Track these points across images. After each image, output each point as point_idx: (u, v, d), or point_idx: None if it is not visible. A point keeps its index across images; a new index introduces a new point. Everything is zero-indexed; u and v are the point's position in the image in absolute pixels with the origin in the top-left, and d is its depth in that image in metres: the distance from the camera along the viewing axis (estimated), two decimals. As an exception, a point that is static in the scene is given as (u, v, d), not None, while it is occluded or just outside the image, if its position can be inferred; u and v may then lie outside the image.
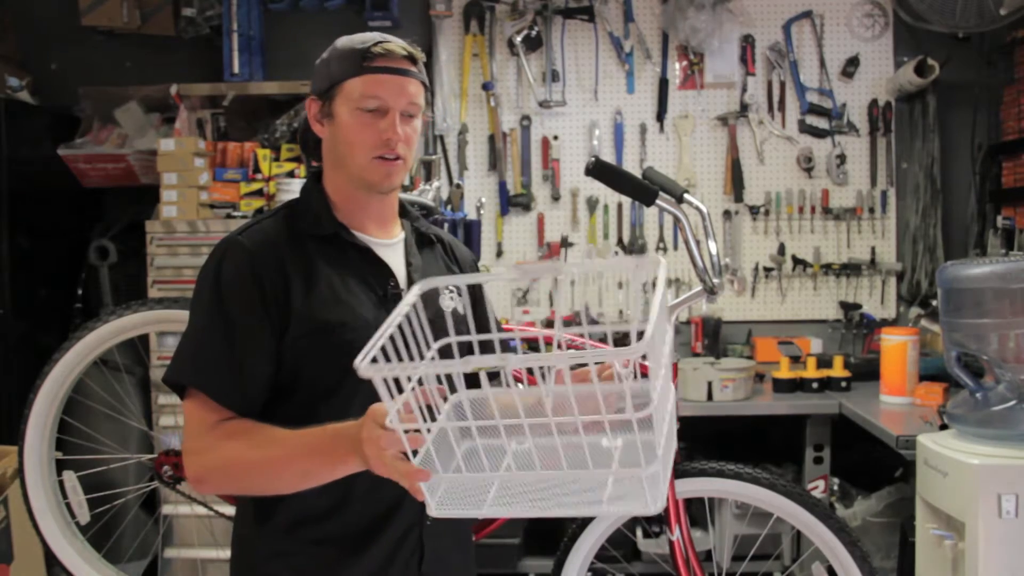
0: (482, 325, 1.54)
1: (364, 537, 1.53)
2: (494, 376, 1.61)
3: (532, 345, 2.94)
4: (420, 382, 1.19)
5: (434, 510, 1.21)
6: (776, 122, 3.88)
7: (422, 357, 1.26)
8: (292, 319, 1.47)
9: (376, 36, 1.54)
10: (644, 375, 1.36)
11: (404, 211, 1.69)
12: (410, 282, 1.59)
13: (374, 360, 1.15)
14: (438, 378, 1.22)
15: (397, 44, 1.53)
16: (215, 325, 1.46)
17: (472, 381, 1.32)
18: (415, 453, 1.20)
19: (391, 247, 1.62)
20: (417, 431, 1.19)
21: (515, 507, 1.23)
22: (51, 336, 3.25)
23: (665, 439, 1.19)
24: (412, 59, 1.54)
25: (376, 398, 1.33)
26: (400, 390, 1.17)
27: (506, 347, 1.50)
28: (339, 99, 1.53)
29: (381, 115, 1.51)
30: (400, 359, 1.20)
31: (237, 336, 1.45)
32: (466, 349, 1.34)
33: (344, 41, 1.55)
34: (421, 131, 1.61)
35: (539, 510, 1.22)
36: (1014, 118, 3.60)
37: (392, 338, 1.21)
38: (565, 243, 3.91)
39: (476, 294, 1.68)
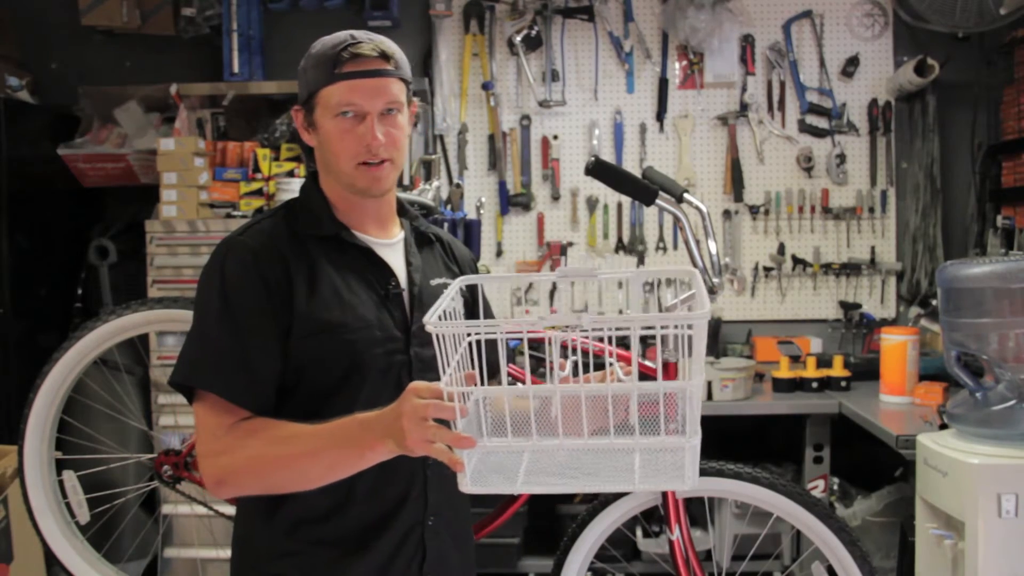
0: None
1: (366, 537, 1.53)
2: (494, 375, 1.61)
3: (533, 344, 2.94)
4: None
5: (468, 485, 1.23)
6: (776, 122, 3.88)
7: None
8: (295, 319, 1.47)
9: (346, 38, 1.50)
10: (650, 376, 1.37)
11: (403, 210, 1.69)
12: (410, 282, 1.60)
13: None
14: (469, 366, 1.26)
15: (367, 45, 1.50)
16: (223, 325, 1.46)
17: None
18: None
19: (391, 247, 1.62)
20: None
21: (547, 483, 1.25)
22: (51, 336, 3.25)
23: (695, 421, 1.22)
24: (385, 56, 1.51)
25: (379, 395, 1.34)
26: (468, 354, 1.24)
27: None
28: (318, 108, 1.52)
29: (359, 120, 1.50)
30: None
31: (246, 335, 1.45)
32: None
33: (317, 47, 1.53)
34: (412, 126, 1.60)
35: (571, 486, 1.24)
36: (1014, 118, 3.60)
37: None
38: (563, 251, 3.91)
39: (474, 293, 1.68)
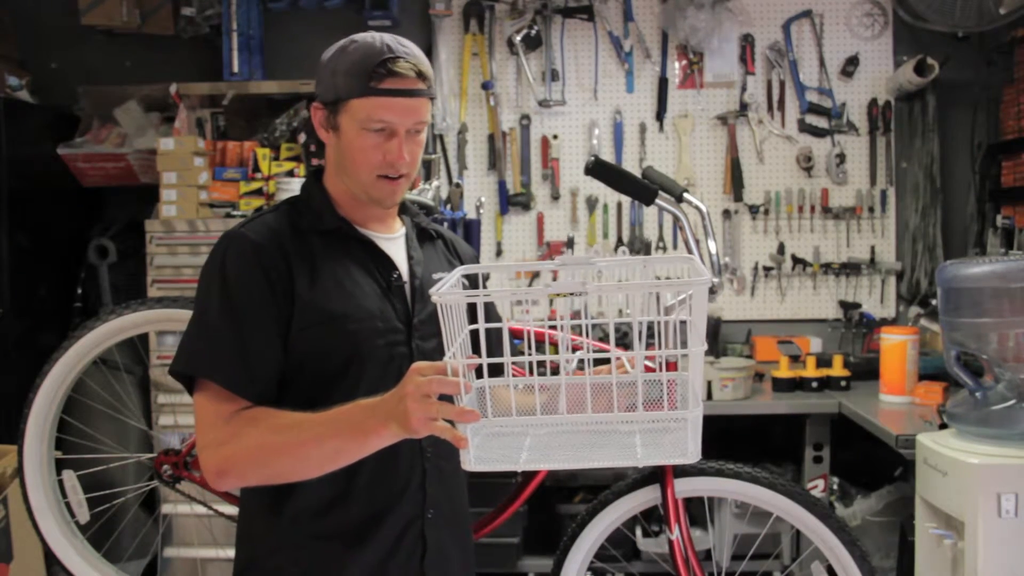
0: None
1: (366, 531, 1.53)
2: (496, 371, 1.63)
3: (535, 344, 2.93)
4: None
5: (472, 463, 1.23)
6: (776, 121, 3.88)
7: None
8: (297, 310, 1.48)
9: (384, 50, 1.49)
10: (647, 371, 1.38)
11: (404, 208, 1.70)
12: (412, 274, 1.61)
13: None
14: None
15: (405, 63, 1.49)
16: (224, 315, 1.46)
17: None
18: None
19: (393, 241, 1.64)
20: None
21: (550, 460, 1.27)
22: (51, 335, 3.25)
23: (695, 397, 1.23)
24: (421, 76, 1.51)
25: (379, 388, 1.35)
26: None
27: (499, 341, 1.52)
28: (345, 115, 1.51)
29: (387, 136, 1.50)
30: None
31: (247, 325, 1.46)
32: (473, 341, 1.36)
33: (352, 52, 1.50)
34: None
35: (574, 462, 1.25)
36: (1014, 117, 3.59)
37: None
38: (564, 252, 3.92)
39: (475, 286, 1.68)
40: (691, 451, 1.20)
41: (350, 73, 1.49)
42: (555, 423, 1.27)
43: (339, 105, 1.51)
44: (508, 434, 1.30)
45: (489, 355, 1.29)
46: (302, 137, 3.38)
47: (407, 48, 1.52)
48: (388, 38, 1.52)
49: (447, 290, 1.22)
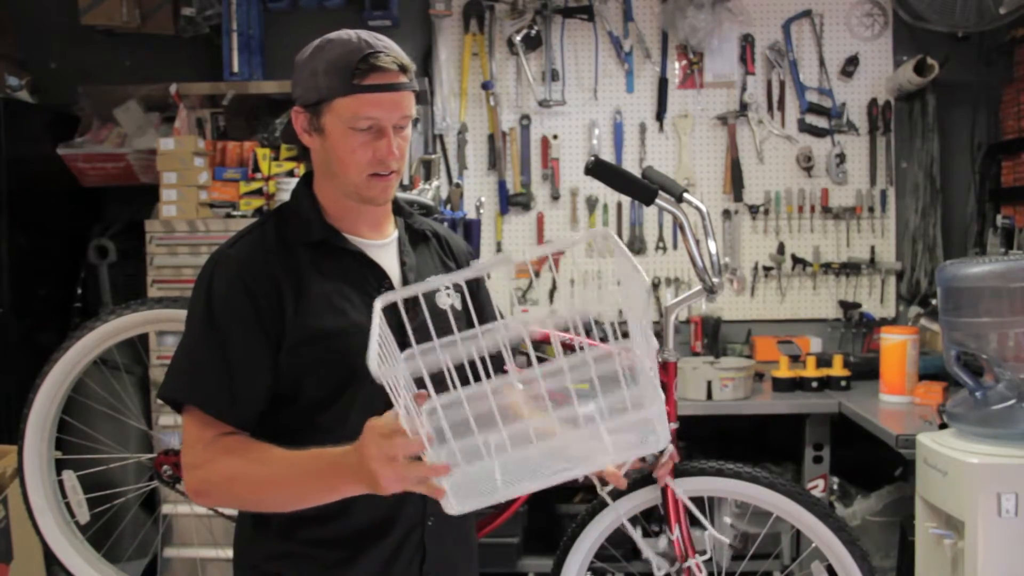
0: (482, 317, 1.54)
1: (366, 538, 1.53)
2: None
3: (535, 345, 2.93)
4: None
5: (454, 507, 1.22)
6: (775, 121, 3.88)
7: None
8: (287, 329, 1.47)
9: (363, 46, 1.46)
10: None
11: (398, 209, 1.68)
12: (404, 281, 1.58)
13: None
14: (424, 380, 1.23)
15: (387, 57, 1.46)
16: (209, 340, 1.46)
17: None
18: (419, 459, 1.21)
19: (384, 247, 1.61)
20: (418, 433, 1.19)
21: (526, 483, 1.24)
22: (50, 335, 3.25)
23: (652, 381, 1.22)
24: (403, 69, 1.49)
25: (374, 400, 1.33)
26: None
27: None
28: (329, 116, 1.48)
29: (375, 133, 1.48)
30: None
31: (231, 350, 1.45)
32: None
33: (330, 51, 1.48)
34: (418, 131, 1.61)
35: (549, 478, 1.23)
36: (1013, 117, 3.60)
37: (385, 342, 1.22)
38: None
39: (473, 286, 1.67)
40: (662, 438, 1.21)
41: (331, 72, 1.46)
42: (523, 457, 1.24)
43: (322, 106, 1.48)
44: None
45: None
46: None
47: (385, 43, 1.49)
48: (364, 34, 1.49)
49: (386, 370, 1.17)
